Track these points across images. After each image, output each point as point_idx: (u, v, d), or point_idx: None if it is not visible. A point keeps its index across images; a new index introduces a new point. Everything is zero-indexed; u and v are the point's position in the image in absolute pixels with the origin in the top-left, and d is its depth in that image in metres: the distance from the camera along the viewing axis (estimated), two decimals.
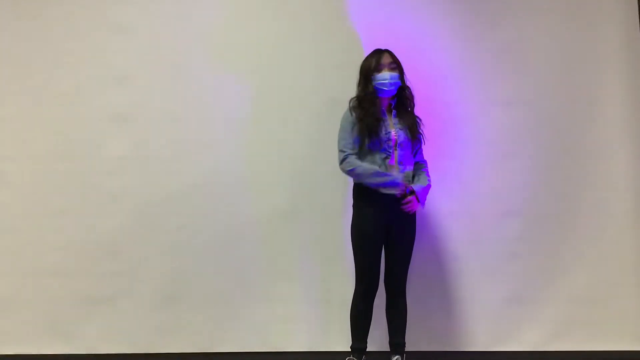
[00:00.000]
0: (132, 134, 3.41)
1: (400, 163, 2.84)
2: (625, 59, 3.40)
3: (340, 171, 2.87)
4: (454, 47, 3.39)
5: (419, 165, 2.96)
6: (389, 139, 2.83)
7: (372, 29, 3.36)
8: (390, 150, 2.82)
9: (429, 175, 2.95)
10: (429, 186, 2.91)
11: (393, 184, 2.79)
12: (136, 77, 3.42)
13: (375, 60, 2.86)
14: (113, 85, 3.42)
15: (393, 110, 2.91)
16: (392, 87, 2.85)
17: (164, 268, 3.36)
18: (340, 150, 2.84)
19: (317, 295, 3.34)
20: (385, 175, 2.79)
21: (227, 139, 3.40)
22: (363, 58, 2.94)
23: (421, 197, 2.85)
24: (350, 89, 2.95)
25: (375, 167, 2.79)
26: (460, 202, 3.34)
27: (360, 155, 2.83)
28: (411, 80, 2.93)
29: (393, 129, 2.86)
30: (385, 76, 2.84)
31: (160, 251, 3.37)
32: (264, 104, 3.41)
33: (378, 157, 2.82)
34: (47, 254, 3.37)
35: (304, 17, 3.43)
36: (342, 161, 2.84)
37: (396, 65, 2.87)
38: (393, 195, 2.80)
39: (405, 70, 2.90)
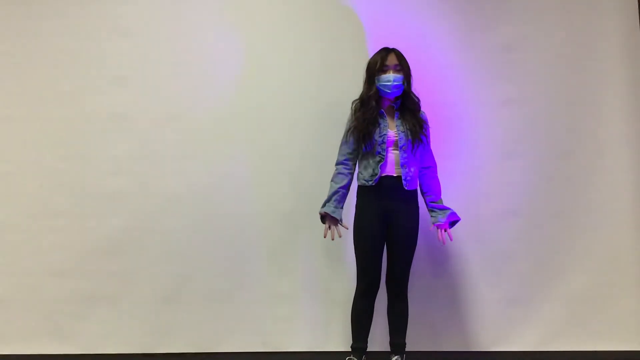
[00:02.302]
0: (132, 134, 3.41)
1: (403, 166, 2.80)
2: (626, 58, 3.40)
3: None
4: (454, 47, 3.40)
5: (426, 173, 2.91)
6: (383, 142, 2.80)
7: (373, 30, 3.36)
8: (384, 154, 2.80)
9: (438, 187, 2.93)
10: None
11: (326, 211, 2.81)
12: (136, 77, 3.42)
13: (381, 60, 2.82)
14: (113, 85, 3.42)
15: (396, 112, 2.87)
16: (396, 90, 2.81)
17: (164, 268, 3.36)
18: (337, 157, 2.91)
19: (318, 295, 3.35)
20: (328, 200, 2.83)
21: (227, 139, 3.40)
22: (365, 59, 2.93)
23: (448, 222, 2.90)
24: (351, 90, 2.95)
25: (333, 190, 2.82)
26: (460, 202, 3.33)
27: (359, 158, 2.85)
28: (412, 79, 2.90)
29: (393, 130, 2.83)
30: (389, 78, 2.80)
31: (160, 251, 3.37)
32: (265, 104, 3.41)
33: (372, 160, 2.81)
34: (47, 254, 3.37)
35: (305, 19, 3.43)
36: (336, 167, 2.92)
37: (401, 67, 2.82)
38: (395, 195, 2.80)
39: None
